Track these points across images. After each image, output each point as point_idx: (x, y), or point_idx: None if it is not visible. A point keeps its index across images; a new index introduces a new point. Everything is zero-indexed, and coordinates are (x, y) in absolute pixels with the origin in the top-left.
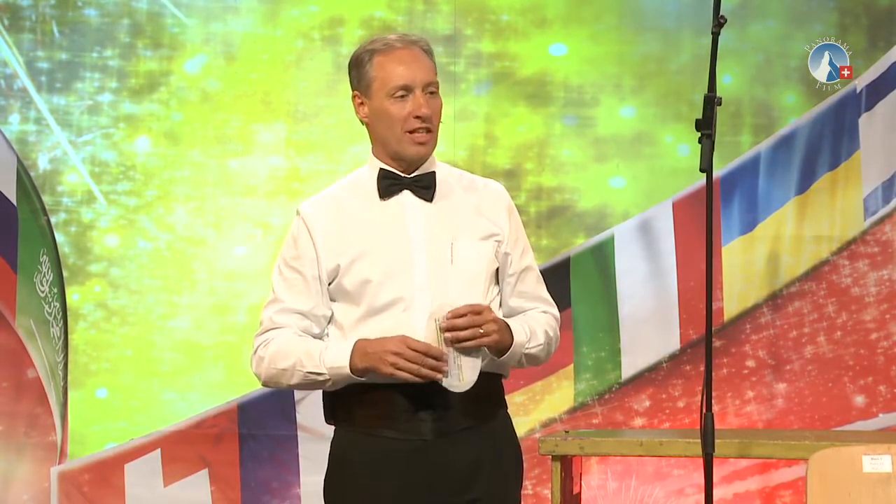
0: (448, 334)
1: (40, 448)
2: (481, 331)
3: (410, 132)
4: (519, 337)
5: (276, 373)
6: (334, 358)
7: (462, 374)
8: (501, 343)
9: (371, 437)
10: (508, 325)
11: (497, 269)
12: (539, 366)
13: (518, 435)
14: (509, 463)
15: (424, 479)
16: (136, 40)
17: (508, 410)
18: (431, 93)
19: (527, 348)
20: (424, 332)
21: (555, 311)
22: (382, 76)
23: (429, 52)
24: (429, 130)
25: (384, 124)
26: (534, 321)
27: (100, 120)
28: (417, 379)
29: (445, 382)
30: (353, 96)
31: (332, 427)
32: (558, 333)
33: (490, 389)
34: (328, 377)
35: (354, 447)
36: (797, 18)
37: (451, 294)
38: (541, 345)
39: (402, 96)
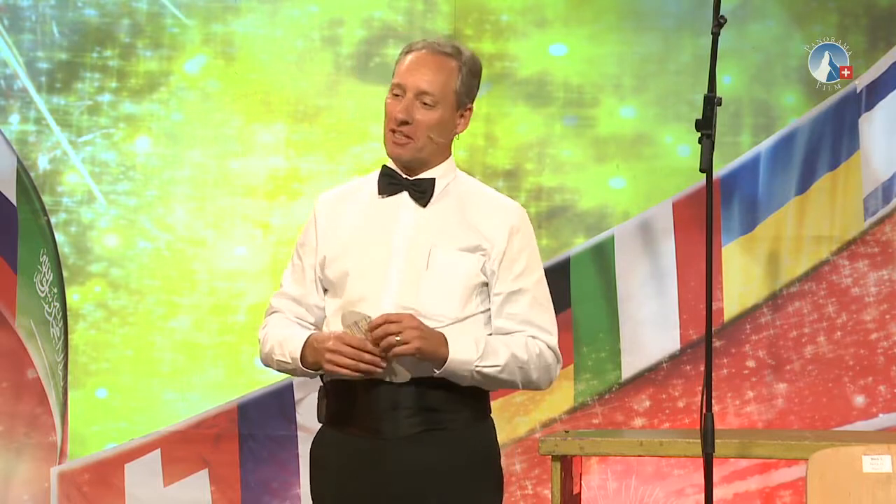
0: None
1: (40, 448)
2: (397, 339)
3: (392, 131)
4: (463, 354)
5: (265, 356)
6: (293, 349)
7: (395, 368)
8: (425, 352)
9: (339, 435)
10: (445, 338)
11: (486, 284)
12: (518, 389)
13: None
14: (478, 471)
15: (383, 480)
16: (136, 40)
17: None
18: (425, 104)
19: (478, 366)
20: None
21: (548, 338)
22: (395, 71)
23: (458, 68)
24: (408, 136)
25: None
26: (501, 341)
27: (100, 120)
28: (357, 374)
29: (385, 375)
30: None
31: None
32: (548, 361)
33: (447, 394)
34: (293, 367)
35: (325, 445)
36: (797, 18)
37: (420, 300)
38: (498, 366)
39: (396, 95)
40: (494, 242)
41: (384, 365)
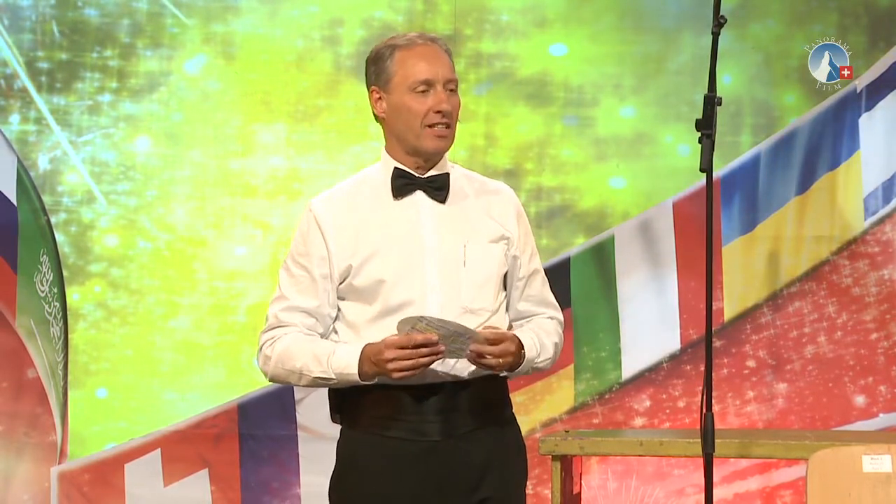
0: (474, 355)
1: (40, 448)
2: (501, 361)
3: (430, 126)
4: (530, 353)
5: (284, 373)
6: (342, 364)
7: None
8: (515, 364)
9: (379, 438)
10: (522, 345)
11: (506, 272)
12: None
13: (522, 436)
14: (516, 464)
15: (434, 480)
16: (136, 40)
17: (513, 411)
18: (451, 90)
19: (536, 363)
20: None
21: (560, 315)
22: (404, 71)
23: (448, 52)
24: (448, 126)
25: (403, 119)
26: (544, 333)
27: (100, 120)
28: (422, 370)
29: (449, 359)
30: (371, 91)
31: (334, 426)
32: (563, 338)
33: (496, 391)
34: (336, 381)
35: (363, 448)
36: (797, 18)
37: (462, 297)
38: (549, 357)
39: (424, 91)
40: (511, 229)
41: (442, 349)
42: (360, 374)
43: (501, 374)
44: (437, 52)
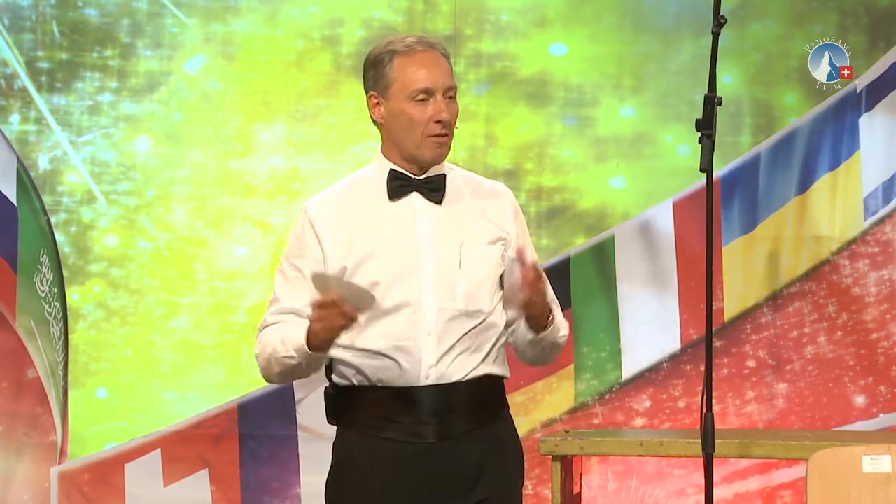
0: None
1: (40, 448)
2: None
3: (430, 136)
4: (559, 316)
5: (265, 363)
6: (296, 341)
7: (450, 369)
8: (545, 311)
9: (374, 440)
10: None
11: (502, 274)
12: (547, 364)
13: (518, 435)
14: (513, 463)
15: (430, 482)
16: (136, 40)
17: (509, 411)
18: (450, 97)
19: (560, 333)
20: (434, 327)
21: (560, 312)
22: (404, 79)
23: (447, 57)
24: (447, 134)
25: (402, 127)
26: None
27: (100, 120)
28: (340, 331)
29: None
30: (369, 96)
31: (333, 427)
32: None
33: (491, 391)
34: (298, 359)
35: (358, 449)
36: (797, 18)
37: (457, 299)
38: (566, 335)
39: (423, 100)
40: (509, 230)
41: (352, 311)
42: (308, 344)
43: (529, 337)
44: (437, 58)
